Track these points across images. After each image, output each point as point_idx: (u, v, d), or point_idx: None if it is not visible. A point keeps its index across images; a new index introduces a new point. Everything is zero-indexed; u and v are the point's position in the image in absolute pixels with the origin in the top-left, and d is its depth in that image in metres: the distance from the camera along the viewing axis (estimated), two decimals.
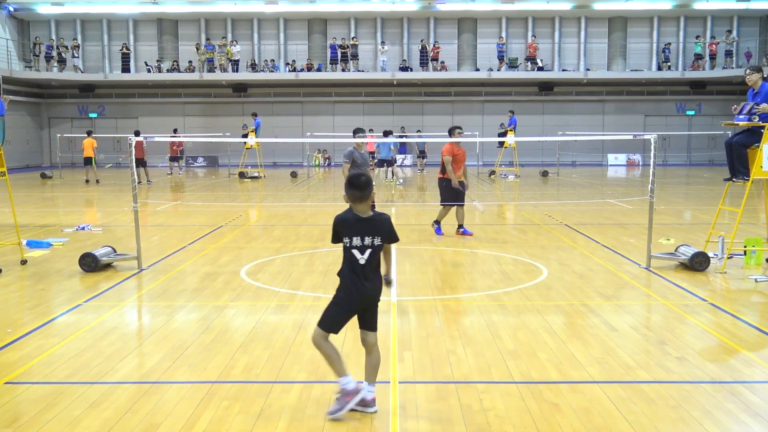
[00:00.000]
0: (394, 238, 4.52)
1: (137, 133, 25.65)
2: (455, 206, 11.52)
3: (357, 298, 4.39)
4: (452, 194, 11.44)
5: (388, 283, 4.61)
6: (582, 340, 5.97)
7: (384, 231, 4.43)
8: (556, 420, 4.33)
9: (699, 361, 5.40)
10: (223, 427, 4.27)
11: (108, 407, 4.54)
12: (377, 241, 4.40)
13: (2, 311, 7.02)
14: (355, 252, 4.37)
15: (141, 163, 23.89)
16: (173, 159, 29.18)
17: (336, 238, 4.48)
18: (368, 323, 4.49)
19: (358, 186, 4.35)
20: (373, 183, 4.46)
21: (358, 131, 11.08)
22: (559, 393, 4.76)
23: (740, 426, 4.30)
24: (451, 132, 11.49)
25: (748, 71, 8.95)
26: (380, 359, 4.56)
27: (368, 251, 4.37)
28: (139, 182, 23.18)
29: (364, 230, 4.38)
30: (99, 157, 25.14)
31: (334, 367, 4.45)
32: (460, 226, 11.62)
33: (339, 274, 4.50)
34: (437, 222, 11.75)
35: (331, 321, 4.42)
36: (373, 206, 4.51)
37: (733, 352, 5.74)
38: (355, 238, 4.37)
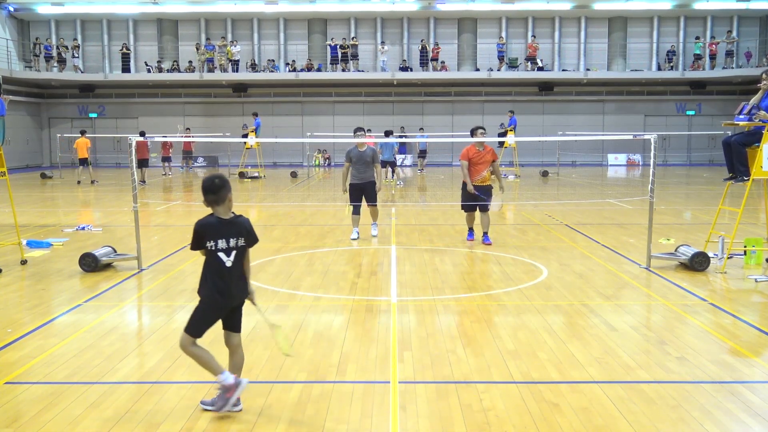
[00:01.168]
0: (254, 239, 4.55)
1: (142, 134, 25.64)
2: (479, 211, 10.79)
3: (224, 303, 4.43)
4: (469, 198, 10.65)
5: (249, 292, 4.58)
6: (582, 340, 5.97)
7: (245, 231, 4.46)
8: (556, 420, 4.33)
9: (699, 361, 5.40)
10: (223, 427, 4.27)
11: (108, 407, 4.54)
12: (241, 242, 4.44)
13: (2, 311, 7.03)
14: (222, 255, 4.37)
15: (144, 163, 23.89)
16: (165, 159, 28.86)
17: (197, 245, 4.41)
18: (233, 325, 4.56)
19: (211, 190, 4.37)
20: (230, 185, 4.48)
21: (357, 130, 11.17)
22: (559, 393, 4.76)
23: (740, 426, 4.30)
24: (473, 132, 10.55)
25: (764, 75, 8.85)
26: (244, 358, 4.64)
27: (233, 253, 4.40)
28: (142, 181, 23.32)
29: (228, 232, 4.39)
30: (94, 157, 25.04)
31: (209, 367, 4.45)
32: (471, 230, 11.07)
33: (200, 290, 4.45)
34: (470, 229, 11.09)
35: (199, 327, 4.44)
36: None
37: (733, 352, 5.74)
38: (220, 241, 4.36)
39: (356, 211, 11.26)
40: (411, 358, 5.49)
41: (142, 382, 5.04)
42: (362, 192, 11.15)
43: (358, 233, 11.28)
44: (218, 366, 4.44)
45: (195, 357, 4.46)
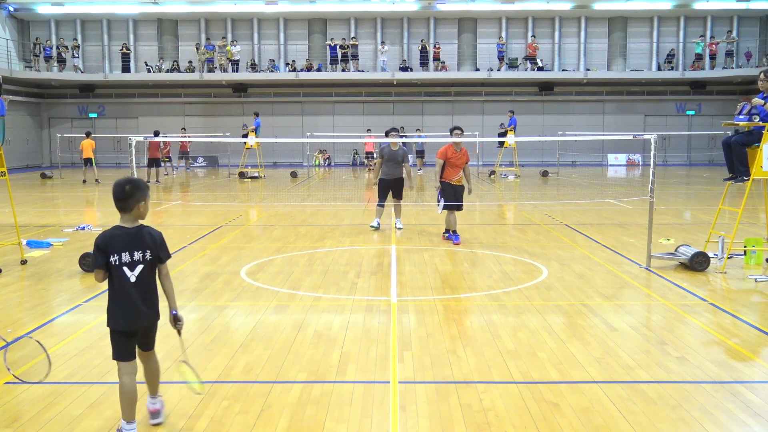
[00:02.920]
0: (166, 254, 4.16)
1: (156, 133, 25.68)
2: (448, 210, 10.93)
3: (132, 322, 4.07)
4: (450, 197, 10.80)
5: (177, 320, 4.20)
6: (582, 340, 5.97)
7: (154, 244, 4.10)
8: (556, 420, 4.32)
9: (699, 361, 5.40)
10: (223, 427, 4.27)
11: (108, 407, 4.54)
12: (148, 256, 4.07)
13: (2, 311, 7.03)
14: (125, 270, 4.00)
15: (156, 162, 23.87)
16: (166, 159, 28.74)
17: (100, 262, 3.97)
18: (146, 345, 4.24)
19: (117, 196, 4.03)
20: (148, 193, 4.13)
21: (391, 131, 12.25)
22: (559, 393, 4.76)
23: (740, 426, 4.30)
24: (451, 132, 10.89)
25: (762, 76, 8.85)
26: (159, 372, 4.38)
27: (139, 267, 4.04)
28: (147, 181, 23.33)
29: (132, 244, 4.02)
30: (97, 157, 25.15)
31: (124, 407, 4.02)
32: (447, 230, 11.08)
33: (108, 321, 4.07)
34: (446, 230, 11.12)
35: (118, 350, 4.08)
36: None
37: (733, 352, 5.74)
38: (124, 254, 3.99)
39: (381, 204, 12.22)
40: (411, 358, 5.49)
41: (142, 382, 5.03)
42: (390, 187, 12.06)
43: (378, 223, 12.19)
44: (132, 414, 4.03)
45: (120, 389, 4.03)
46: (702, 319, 6.70)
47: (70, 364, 5.38)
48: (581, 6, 33.96)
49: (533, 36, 35.15)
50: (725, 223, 11.76)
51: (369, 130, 31.47)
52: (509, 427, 4.24)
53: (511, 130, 25.46)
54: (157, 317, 4.19)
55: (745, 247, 9.26)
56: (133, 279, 4.02)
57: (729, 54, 33.72)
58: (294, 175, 27.64)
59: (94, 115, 36.45)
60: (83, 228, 12.41)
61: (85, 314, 6.88)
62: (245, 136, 26.23)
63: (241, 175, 26.90)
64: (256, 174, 26.68)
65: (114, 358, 4.10)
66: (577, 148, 35.25)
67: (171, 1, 33.49)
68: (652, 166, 9.01)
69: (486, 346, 5.81)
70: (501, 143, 25.80)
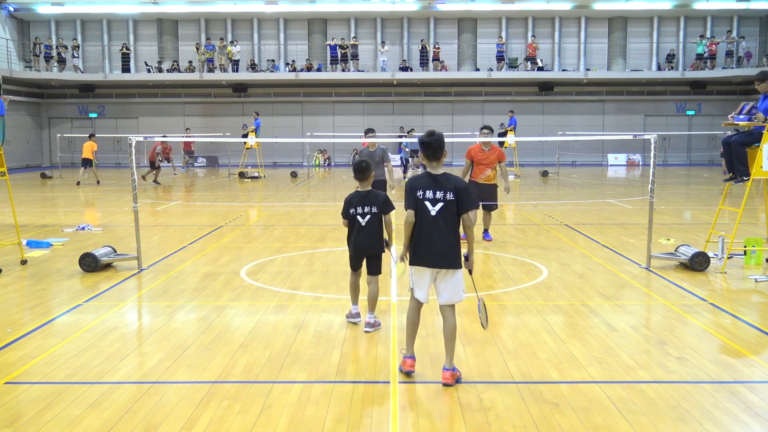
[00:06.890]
0: (387, 209, 6.14)
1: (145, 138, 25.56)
2: (482, 210, 10.97)
3: (355, 248, 6.25)
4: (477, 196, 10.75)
5: (387, 246, 6.28)
6: (582, 340, 5.97)
7: (378, 202, 6.13)
8: (556, 420, 4.33)
9: (699, 361, 5.40)
10: (223, 427, 4.27)
11: (108, 407, 4.54)
12: (374, 209, 6.13)
13: (2, 311, 7.03)
14: (359, 218, 6.13)
15: (151, 165, 23.79)
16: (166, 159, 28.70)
17: (344, 213, 6.23)
18: (369, 270, 6.29)
19: (357, 170, 6.23)
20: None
21: (368, 131, 11.62)
22: (559, 393, 4.76)
23: (740, 426, 4.30)
24: (481, 131, 10.92)
25: (757, 81, 8.84)
26: (376, 293, 6.25)
27: (367, 216, 6.13)
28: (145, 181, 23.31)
29: (363, 202, 6.15)
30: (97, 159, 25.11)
31: (352, 296, 6.53)
32: (485, 230, 11.19)
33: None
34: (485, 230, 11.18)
35: (350, 263, 6.41)
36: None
37: (733, 352, 5.74)
38: (358, 208, 6.14)
39: None
40: None
41: (142, 382, 5.04)
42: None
43: None
44: (354, 299, 6.49)
45: (350, 284, 6.50)
46: (702, 319, 6.70)
47: (70, 364, 5.38)
48: (581, 6, 33.95)
49: (533, 36, 35.15)
50: (725, 223, 11.76)
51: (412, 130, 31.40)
52: (509, 427, 4.24)
53: (511, 130, 25.46)
54: (375, 251, 6.22)
55: (745, 247, 9.26)
56: (363, 224, 6.13)
57: (729, 54, 33.72)
58: (294, 175, 27.63)
59: (94, 115, 36.44)
60: (83, 228, 12.41)
61: (85, 314, 6.88)
62: (245, 136, 26.22)
63: (241, 175, 26.90)
64: (256, 174, 26.68)
65: (350, 267, 6.43)
66: (577, 148, 35.25)
67: (171, 1, 33.48)
68: (652, 166, 9.01)
69: (486, 346, 5.81)
70: (501, 143, 25.73)
